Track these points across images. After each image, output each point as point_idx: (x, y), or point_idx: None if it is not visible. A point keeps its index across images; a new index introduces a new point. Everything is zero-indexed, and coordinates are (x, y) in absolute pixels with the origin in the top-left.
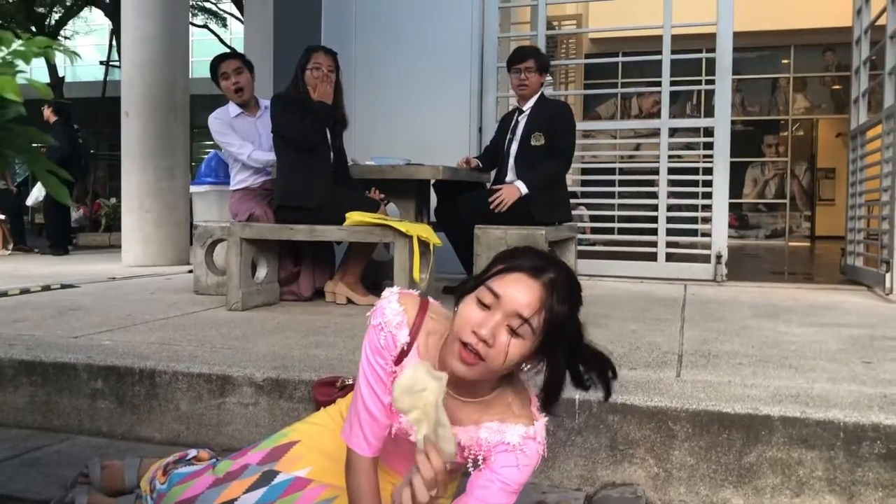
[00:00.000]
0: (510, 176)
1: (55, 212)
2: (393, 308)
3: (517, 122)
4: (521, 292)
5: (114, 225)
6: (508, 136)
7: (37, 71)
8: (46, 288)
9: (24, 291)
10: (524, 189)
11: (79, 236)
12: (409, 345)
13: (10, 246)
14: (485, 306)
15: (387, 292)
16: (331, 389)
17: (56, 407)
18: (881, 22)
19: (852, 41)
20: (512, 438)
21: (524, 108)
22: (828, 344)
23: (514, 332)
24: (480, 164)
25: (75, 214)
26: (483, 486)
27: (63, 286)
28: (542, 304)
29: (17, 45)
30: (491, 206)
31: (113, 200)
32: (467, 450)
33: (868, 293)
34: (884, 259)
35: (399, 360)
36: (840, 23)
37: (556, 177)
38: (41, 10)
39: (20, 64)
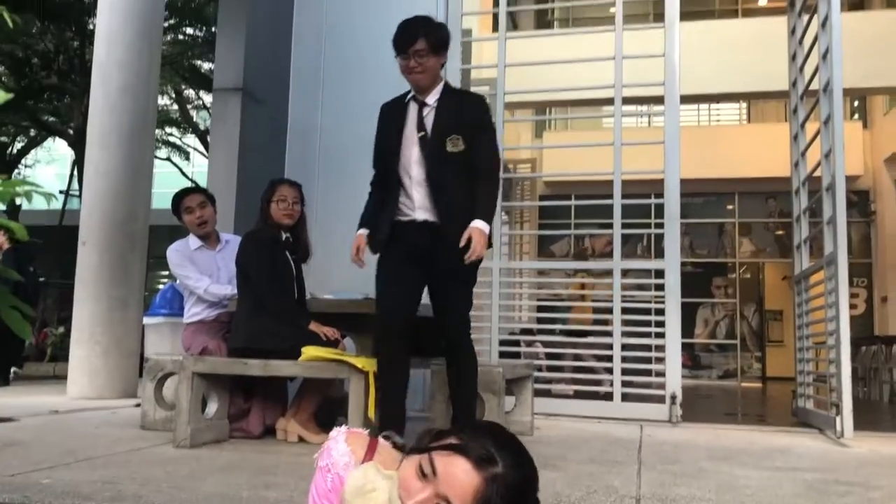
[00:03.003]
0: (421, 197)
1: None
2: (340, 449)
3: (421, 118)
4: (457, 479)
5: (60, 355)
6: (409, 138)
7: None
8: None
9: None
10: (487, 228)
11: (22, 366)
12: None
13: None
14: (423, 474)
15: (334, 432)
16: None
17: None
18: (817, 174)
19: (792, 191)
20: None
21: (428, 101)
22: (783, 488)
23: None
24: (382, 236)
25: None
26: None
27: (1, 420)
28: (476, 497)
29: None
30: (467, 261)
31: (61, 329)
32: None
33: (820, 436)
34: (833, 402)
35: None
36: (780, 173)
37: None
38: (3, 139)
39: None
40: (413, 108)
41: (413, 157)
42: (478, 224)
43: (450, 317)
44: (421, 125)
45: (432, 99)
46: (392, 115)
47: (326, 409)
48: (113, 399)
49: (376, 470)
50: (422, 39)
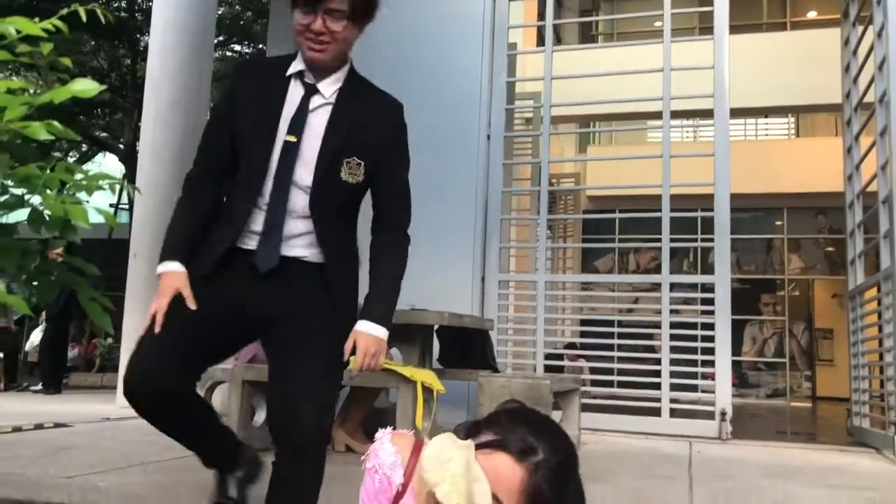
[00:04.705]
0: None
1: (52, 351)
2: (386, 449)
3: (304, 111)
4: (501, 476)
5: (108, 365)
6: (290, 142)
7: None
8: (39, 426)
9: (17, 429)
10: (385, 334)
11: (70, 376)
12: (405, 486)
13: (2, 384)
14: None
15: (380, 434)
16: None
17: None
18: (872, 188)
19: (845, 205)
20: None
21: (323, 89)
22: None
23: None
24: (204, 270)
25: (71, 353)
26: None
27: (56, 425)
28: (522, 489)
29: (79, 177)
30: (357, 374)
31: (109, 340)
32: None
33: (878, 455)
34: (891, 421)
35: (396, 502)
36: (830, 188)
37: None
38: (57, 154)
39: (83, 195)
40: (296, 91)
41: (300, 176)
42: (370, 329)
43: (300, 392)
44: (298, 123)
45: (330, 89)
46: (266, 88)
47: (373, 419)
48: None
49: (452, 440)
50: None
